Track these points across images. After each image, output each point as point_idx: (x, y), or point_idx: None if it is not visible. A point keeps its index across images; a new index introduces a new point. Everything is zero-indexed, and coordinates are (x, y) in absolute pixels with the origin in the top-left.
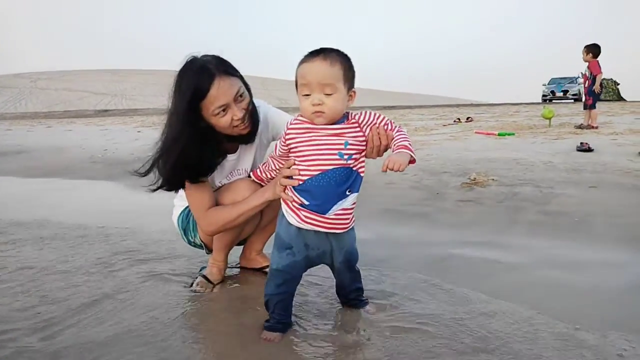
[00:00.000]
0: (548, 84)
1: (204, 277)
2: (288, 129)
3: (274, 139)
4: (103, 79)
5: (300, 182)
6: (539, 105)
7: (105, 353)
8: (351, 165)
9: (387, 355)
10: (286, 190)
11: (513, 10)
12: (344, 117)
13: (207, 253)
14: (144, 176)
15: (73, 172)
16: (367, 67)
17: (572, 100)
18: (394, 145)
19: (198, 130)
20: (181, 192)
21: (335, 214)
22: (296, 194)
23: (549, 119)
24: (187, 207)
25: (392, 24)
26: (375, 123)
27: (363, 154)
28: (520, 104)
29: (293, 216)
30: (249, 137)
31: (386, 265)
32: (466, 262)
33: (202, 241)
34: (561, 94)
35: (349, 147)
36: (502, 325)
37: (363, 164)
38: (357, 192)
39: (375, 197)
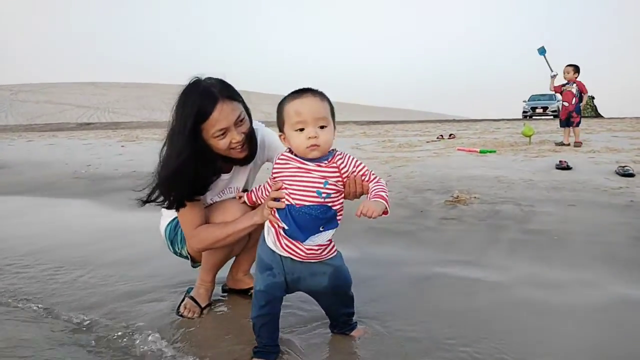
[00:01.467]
0: (528, 100)
1: (192, 298)
2: (275, 164)
3: (268, 161)
4: (84, 91)
5: (284, 206)
6: (519, 122)
7: None
8: (328, 204)
9: None
10: (273, 214)
11: (494, 29)
12: (329, 154)
13: (193, 266)
14: (145, 203)
15: (58, 188)
16: (349, 81)
17: (552, 117)
18: (372, 193)
19: (198, 150)
20: None
21: (308, 248)
22: (279, 217)
23: (529, 136)
24: (176, 218)
25: (375, 37)
26: (355, 172)
27: (341, 195)
28: (501, 119)
29: (273, 242)
30: (245, 160)
31: (370, 284)
32: (449, 281)
33: (188, 253)
34: (541, 110)
35: (328, 186)
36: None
37: (341, 204)
38: (334, 228)
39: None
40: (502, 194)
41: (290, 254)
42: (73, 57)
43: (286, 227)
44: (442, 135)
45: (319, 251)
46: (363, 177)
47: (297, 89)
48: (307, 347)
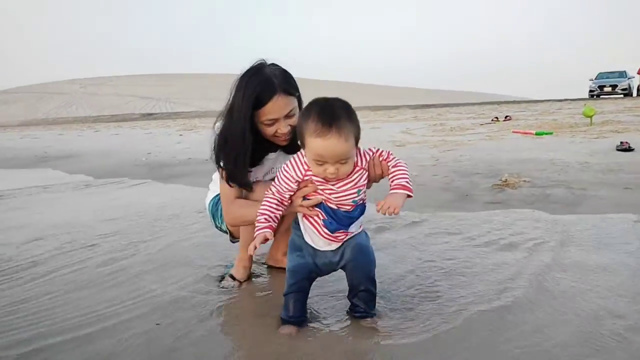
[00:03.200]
0: (595, 78)
1: (231, 275)
2: (305, 176)
3: None
4: (148, 83)
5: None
6: (584, 102)
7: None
8: (361, 202)
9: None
10: (311, 209)
11: (557, 4)
12: None
13: (232, 241)
14: (219, 167)
15: (120, 175)
16: (404, 66)
17: (622, 95)
18: (392, 181)
19: (253, 128)
20: (215, 177)
21: (335, 236)
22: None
23: (590, 117)
24: (219, 194)
25: (432, 19)
26: (374, 156)
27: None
28: (565, 99)
29: (310, 238)
30: (289, 149)
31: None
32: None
33: (227, 229)
34: (609, 89)
35: (361, 193)
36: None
37: (366, 194)
38: (360, 217)
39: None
40: (554, 177)
41: (331, 240)
42: (136, 49)
43: (325, 218)
44: (497, 118)
45: (347, 236)
46: (381, 158)
47: (322, 106)
48: (332, 319)
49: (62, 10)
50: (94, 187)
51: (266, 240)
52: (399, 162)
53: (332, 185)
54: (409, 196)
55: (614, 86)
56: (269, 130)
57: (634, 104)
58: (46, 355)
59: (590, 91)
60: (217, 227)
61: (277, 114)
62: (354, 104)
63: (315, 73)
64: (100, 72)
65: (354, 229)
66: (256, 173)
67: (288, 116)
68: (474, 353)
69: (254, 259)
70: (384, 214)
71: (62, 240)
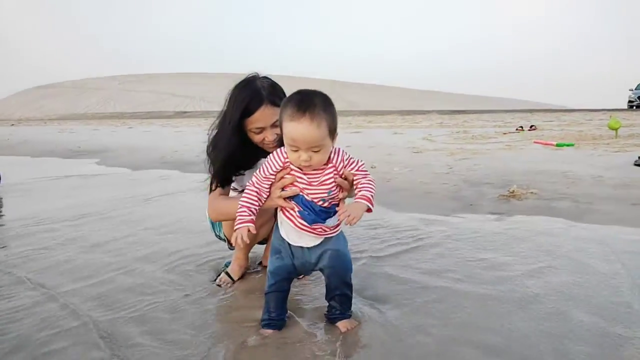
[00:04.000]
0: (635, 88)
1: (227, 273)
2: (284, 164)
3: None
4: (183, 81)
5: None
6: (621, 113)
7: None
8: (332, 204)
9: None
10: (285, 201)
11: (600, 12)
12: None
13: (229, 248)
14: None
15: (146, 170)
16: (441, 68)
17: None
18: (358, 191)
19: (242, 135)
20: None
21: (313, 228)
22: (296, 203)
23: (616, 129)
24: None
25: (481, 25)
26: (346, 166)
27: (339, 193)
28: (601, 110)
29: (286, 232)
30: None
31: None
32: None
33: (225, 236)
34: None
35: (331, 194)
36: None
37: (339, 195)
38: (333, 216)
39: (410, 206)
40: (562, 190)
41: (305, 230)
42: (171, 49)
43: (299, 210)
44: (521, 127)
45: (326, 230)
46: (350, 168)
47: (301, 95)
48: (310, 323)
49: (103, 5)
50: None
51: (249, 232)
52: (368, 176)
53: (307, 179)
54: (369, 209)
55: None
56: (257, 138)
57: None
58: None
59: (630, 102)
60: (216, 235)
61: (264, 123)
62: (384, 107)
63: (348, 75)
64: (139, 70)
65: (331, 222)
66: (249, 176)
67: (275, 125)
68: None
69: (250, 259)
70: (343, 219)
71: None
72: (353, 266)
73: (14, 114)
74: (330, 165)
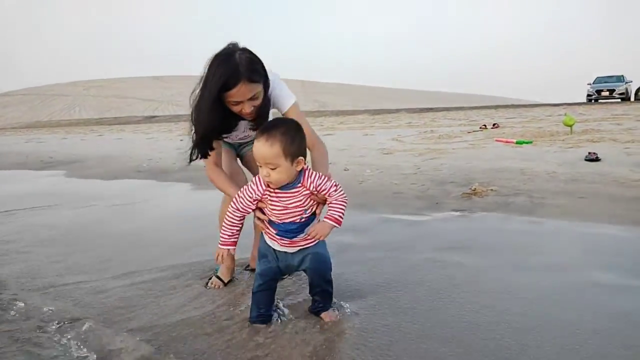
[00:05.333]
0: (593, 82)
1: (217, 276)
2: (263, 195)
3: (273, 107)
4: (150, 85)
5: (272, 222)
6: (580, 107)
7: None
8: (305, 220)
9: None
10: (263, 224)
11: (563, 9)
12: (299, 176)
13: None
14: (192, 161)
15: (121, 180)
16: (407, 66)
17: (619, 100)
18: (329, 210)
19: (222, 104)
20: None
21: (297, 240)
22: (270, 227)
23: (570, 126)
24: None
25: (438, 20)
26: (319, 188)
27: (314, 205)
28: (562, 104)
29: (270, 240)
30: (256, 124)
31: (367, 266)
32: (438, 265)
33: None
34: (607, 93)
35: (307, 211)
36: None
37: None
38: (309, 224)
39: (381, 206)
40: (519, 186)
41: (285, 246)
42: (136, 51)
43: (276, 232)
44: (485, 125)
45: (308, 240)
46: (324, 192)
47: (271, 121)
48: (295, 317)
49: (61, 12)
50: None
51: (229, 253)
52: (340, 197)
53: (281, 203)
54: (334, 226)
55: (611, 90)
56: (235, 109)
57: (624, 110)
58: None
59: (588, 95)
60: None
61: (241, 98)
62: (355, 106)
63: (319, 75)
64: (103, 75)
65: (299, 237)
66: (230, 137)
67: (252, 99)
68: None
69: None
70: (311, 237)
71: None
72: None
73: None
74: (298, 185)
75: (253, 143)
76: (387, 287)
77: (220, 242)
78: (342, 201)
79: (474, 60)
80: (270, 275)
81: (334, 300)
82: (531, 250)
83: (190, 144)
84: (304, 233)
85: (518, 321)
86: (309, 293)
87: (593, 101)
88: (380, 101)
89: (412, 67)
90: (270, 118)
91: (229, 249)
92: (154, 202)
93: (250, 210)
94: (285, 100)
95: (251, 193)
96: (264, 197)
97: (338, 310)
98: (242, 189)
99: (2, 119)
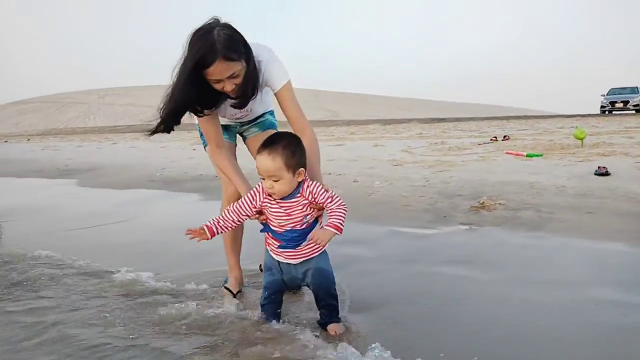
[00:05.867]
0: (607, 94)
1: (227, 288)
2: (263, 200)
3: (265, 85)
4: (163, 93)
5: (275, 232)
6: (594, 118)
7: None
8: (307, 227)
9: None
10: (266, 239)
11: (575, 22)
12: (298, 187)
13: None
14: (153, 133)
15: (137, 190)
16: (422, 76)
17: (634, 112)
18: (329, 218)
19: (200, 79)
20: None
21: (300, 249)
22: (273, 238)
23: (581, 139)
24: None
25: (461, 27)
26: (317, 197)
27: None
28: (575, 115)
29: (274, 253)
30: (239, 103)
31: (372, 279)
32: (443, 279)
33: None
34: (621, 105)
35: (307, 218)
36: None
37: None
38: (303, 238)
39: (389, 219)
40: (528, 200)
41: (288, 258)
42: (153, 59)
43: (279, 244)
44: (495, 137)
45: (311, 247)
46: (324, 202)
47: (272, 136)
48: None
49: (77, 19)
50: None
51: (201, 235)
52: (339, 202)
53: (282, 212)
54: (338, 233)
55: (625, 102)
56: (216, 86)
57: (638, 122)
58: None
59: (602, 107)
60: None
61: (219, 76)
62: (366, 115)
63: (331, 84)
64: (117, 83)
65: (306, 249)
66: (225, 115)
67: (232, 77)
68: None
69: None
70: (313, 242)
71: None
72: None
73: None
74: (297, 195)
75: (256, 124)
76: (391, 300)
77: (206, 224)
78: (342, 209)
79: (486, 69)
80: (276, 287)
81: (341, 313)
82: (536, 266)
83: (158, 117)
84: (307, 240)
85: (522, 335)
86: (317, 306)
87: (607, 112)
88: (392, 110)
89: (424, 76)
90: (266, 94)
91: (204, 228)
92: (165, 212)
93: (248, 215)
94: (277, 80)
95: (252, 199)
96: (263, 205)
97: (343, 323)
98: (244, 197)
99: (19, 126)
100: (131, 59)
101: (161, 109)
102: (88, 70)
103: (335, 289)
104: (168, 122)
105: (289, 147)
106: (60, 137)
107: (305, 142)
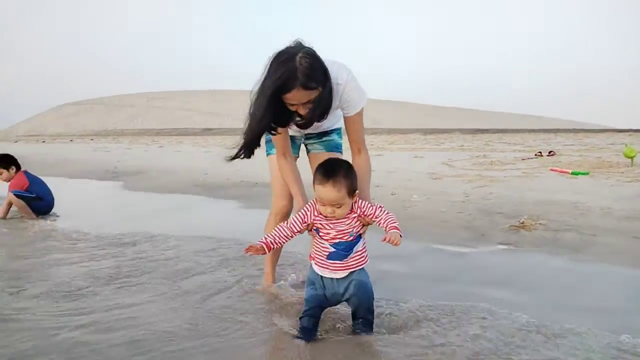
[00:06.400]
0: None
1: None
2: (315, 218)
3: (339, 108)
4: (209, 98)
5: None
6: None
7: None
8: (353, 239)
9: None
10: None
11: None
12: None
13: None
14: (233, 159)
15: (182, 194)
16: (459, 85)
17: None
18: (386, 226)
19: (277, 101)
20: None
21: (346, 260)
22: (323, 248)
23: (631, 158)
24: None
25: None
26: (367, 213)
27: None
28: (628, 130)
29: (319, 268)
30: (304, 125)
31: (400, 296)
32: (476, 299)
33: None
34: None
35: (354, 231)
36: None
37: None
38: (357, 244)
39: (426, 235)
40: (570, 221)
41: (334, 270)
42: (199, 65)
43: (328, 254)
44: (540, 152)
45: (356, 260)
46: (373, 213)
47: (327, 165)
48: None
49: (125, 22)
50: None
51: (259, 251)
52: (390, 215)
53: (331, 227)
54: (401, 234)
55: None
56: (291, 108)
57: None
58: None
59: None
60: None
61: (295, 102)
62: (407, 125)
63: (373, 93)
64: (165, 87)
65: (356, 247)
66: (291, 128)
67: (306, 104)
68: None
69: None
70: (389, 242)
71: None
72: None
73: (47, 129)
74: (353, 215)
75: (322, 141)
76: (419, 319)
77: (260, 240)
78: (392, 217)
79: (533, 82)
80: (317, 302)
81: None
82: (574, 290)
83: (241, 141)
84: (353, 255)
85: None
86: (352, 321)
87: None
88: (434, 120)
89: (467, 87)
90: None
91: (262, 245)
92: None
93: (298, 231)
94: (353, 106)
95: (304, 216)
96: (315, 221)
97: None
98: (297, 213)
99: (72, 126)
100: (179, 64)
101: (244, 133)
102: (137, 74)
103: (373, 305)
104: (251, 146)
105: (348, 175)
106: (110, 138)
107: (360, 163)
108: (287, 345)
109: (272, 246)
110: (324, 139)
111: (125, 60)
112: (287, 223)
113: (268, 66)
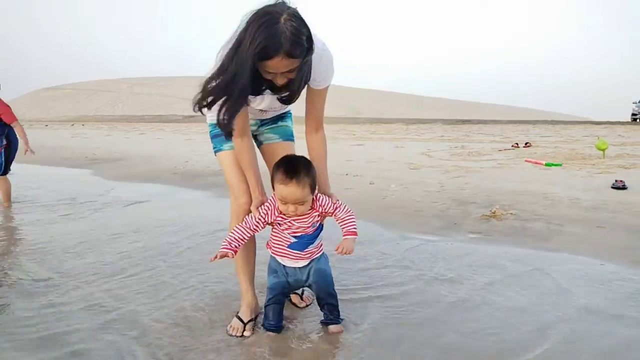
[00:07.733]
0: (639, 101)
1: (238, 317)
2: (277, 217)
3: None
4: (191, 84)
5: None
6: (623, 126)
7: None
8: (314, 231)
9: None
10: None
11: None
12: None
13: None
14: (201, 109)
15: (160, 182)
16: (443, 76)
17: None
18: (343, 227)
19: (253, 67)
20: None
21: (306, 251)
22: (284, 239)
23: (603, 150)
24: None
25: (509, 27)
26: (328, 209)
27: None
28: (604, 122)
29: (281, 257)
30: (288, 100)
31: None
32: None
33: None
34: None
35: (315, 225)
36: None
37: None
38: (318, 236)
39: (400, 224)
40: (539, 211)
41: (294, 259)
42: (181, 51)
43: (288, 244)
44: (517, 144)
45: (310, 251)
46: (333, 211)
47: (287, 163)
48: (302, 329)
49: (107, 8)
50: None
51: (225, 256)
52: (349, 212)
53: (293, 221)
54: (356, 238)
55: None
56: (267, 76)
57: None
58: None
59: (633, 114)
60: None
61: (274, 70)
62: (388, 114)
63: (354, 81)
64: (146, 73)
65: (311, 248)
66: (252, 103)
67: (285, 73)
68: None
69: None
70: (342, 254)
71: None
72: None
73: (25, 114)
74: (315, 213)
75: (275, 127)
76: (388, 302)
77: (221, 248)
78: (351, 216)
79: (517, 70)
80: (280, 289)
81: (342, 314)
82: (532, 278)
83: (198, 96)
84: (314, 245)
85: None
86: (319, 306)
87: (638, 120)
88: (416, 110)
89: (450, 77)
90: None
91: (226, 252)
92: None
93: (259, 229)
94: (324, 79)
95: (265, 216)
96: (276, 221)
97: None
98: (257, 212)
99: (52, 111)
100: (159, 51)
101: (209, 87)
102: (117, 59)
103: (334, 289)
104: (231, 117)
105: (310, 172)
106: (90, 124)
107: (318, 142)
108: (261, 340)
109: (237, 249)
110: (280, 123)
111: (101, 46)
112: (246, 223)
113: (245, 26)
